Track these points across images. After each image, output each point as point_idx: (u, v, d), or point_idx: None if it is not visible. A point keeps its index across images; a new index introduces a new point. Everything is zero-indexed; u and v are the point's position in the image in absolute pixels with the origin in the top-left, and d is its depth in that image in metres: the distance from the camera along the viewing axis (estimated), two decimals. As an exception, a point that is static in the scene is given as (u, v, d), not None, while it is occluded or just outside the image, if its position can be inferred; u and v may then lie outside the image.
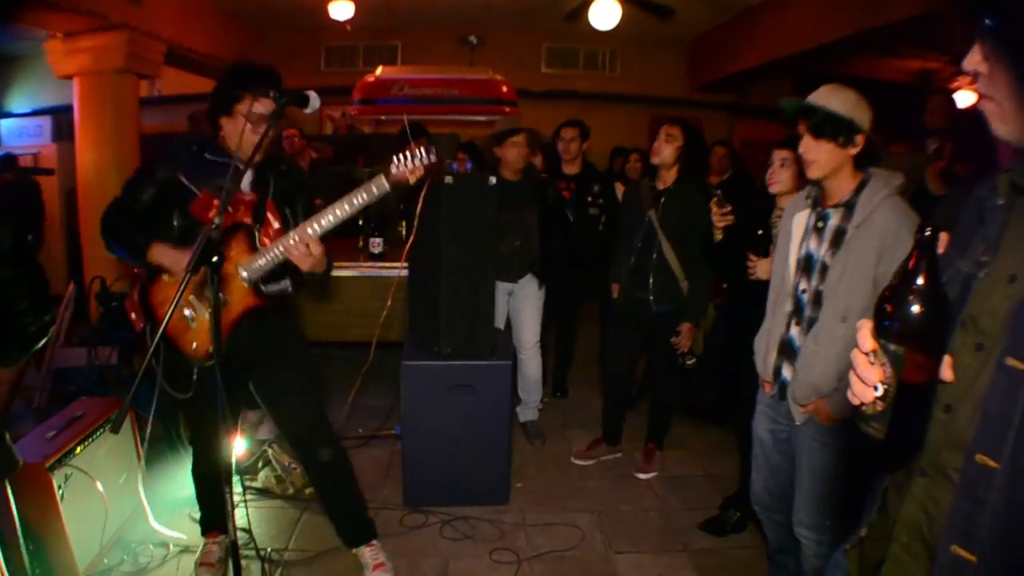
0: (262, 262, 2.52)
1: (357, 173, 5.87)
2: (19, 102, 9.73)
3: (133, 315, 2.61)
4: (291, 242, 2.44)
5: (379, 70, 7.11)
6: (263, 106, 2.47)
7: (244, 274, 2.53)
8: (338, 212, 2.45)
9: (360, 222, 5.12)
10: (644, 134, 8.67)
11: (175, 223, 2.57)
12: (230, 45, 8.06)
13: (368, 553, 3.04)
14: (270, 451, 3.81)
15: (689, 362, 3.90)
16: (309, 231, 2.45)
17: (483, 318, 3.70)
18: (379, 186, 2.44)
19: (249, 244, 2.56)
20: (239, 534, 2.35)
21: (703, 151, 4.11)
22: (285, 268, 2.60)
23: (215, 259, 1.90)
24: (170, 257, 2.50)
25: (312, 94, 2.33)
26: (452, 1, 7.54)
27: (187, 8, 7.04)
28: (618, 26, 7.03)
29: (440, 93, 6.92)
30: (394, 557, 3.12)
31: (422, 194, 3.11)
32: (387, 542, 3.20)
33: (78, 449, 3.02)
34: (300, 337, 3.01)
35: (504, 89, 7.03)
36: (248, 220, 2.60)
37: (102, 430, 3.22)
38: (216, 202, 2.32)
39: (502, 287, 4.26)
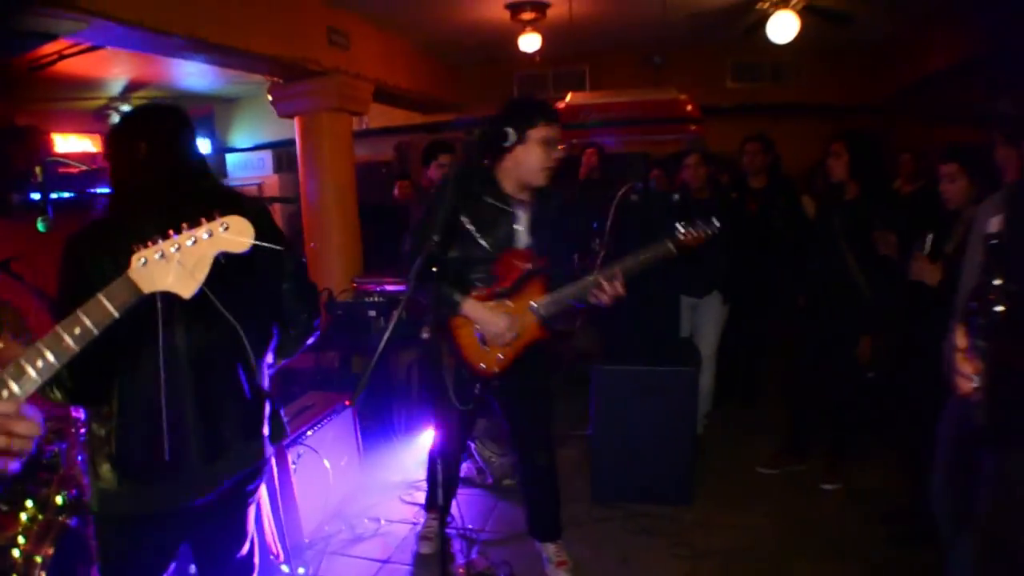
0: (556, 301, 2.78)
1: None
2: (242, 138, 11.01)
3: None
4: (602, 284, 2.70)
5: (568, 97, 7.49)
6: (553, 132, 2.71)
7: (541, 312, 2.79)
8: (630, 265, 2.74)
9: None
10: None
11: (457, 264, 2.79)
12: (429, 80, 8.78)
13: (553, 549, 3.26)
14: (473, 446, 4.25)
15: (870, 375, 3.87)
16: (605, 281, 2.70)
17: (669, 327, 3.90)
18: (667, 251, 2.74)
19: (546, 286, 2.80)
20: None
21: (876, 160, 3.97)
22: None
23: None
24: (484, 317, 2.74)
25: None
26: (634, 24, 7.69)
27: (390, 50, 7.73)
28: (802, 36, 6.77)
29: (626, 116, 7.16)
30: (580, 545, 3.39)
31: (611, 211, 3.33)
32: (574, 531, 3.47)
33: (309, 432, 3.55)
34: (549, 358, 3.20)
35: (688, 108, 7.14)
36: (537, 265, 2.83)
37: (329, 418, 3.75)
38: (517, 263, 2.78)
39: (686, 301, 4.43)
